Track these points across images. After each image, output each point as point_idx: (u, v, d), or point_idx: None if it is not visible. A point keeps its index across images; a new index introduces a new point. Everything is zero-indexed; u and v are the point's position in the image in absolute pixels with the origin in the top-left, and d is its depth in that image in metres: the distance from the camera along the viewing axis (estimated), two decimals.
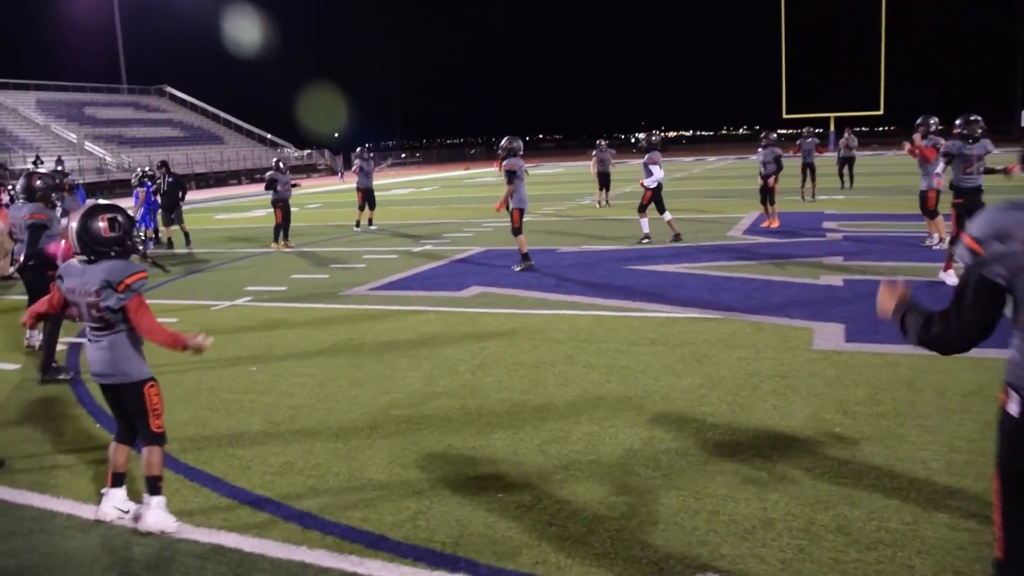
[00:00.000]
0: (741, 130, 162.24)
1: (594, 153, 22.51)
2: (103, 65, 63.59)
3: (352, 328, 8.46)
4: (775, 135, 15.45)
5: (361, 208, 18.55)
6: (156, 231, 17.99)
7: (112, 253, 3.96)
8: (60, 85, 57.12)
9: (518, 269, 11.45)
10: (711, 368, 6.45)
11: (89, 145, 47.31)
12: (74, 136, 48.19)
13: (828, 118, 60.60)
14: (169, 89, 62.68)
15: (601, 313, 8.58)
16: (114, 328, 3.95)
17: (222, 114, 61.09)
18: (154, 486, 4.03)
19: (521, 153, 11.56)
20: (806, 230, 14.69)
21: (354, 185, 19.09)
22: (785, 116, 61.53)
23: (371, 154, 19.13)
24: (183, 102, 62.29)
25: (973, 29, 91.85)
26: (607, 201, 21.66)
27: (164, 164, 17.83)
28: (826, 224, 15.44)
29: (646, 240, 13.66)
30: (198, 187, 48.14)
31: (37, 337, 8.40)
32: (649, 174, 13.48)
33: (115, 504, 4.16)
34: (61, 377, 7.06)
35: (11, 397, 6.67)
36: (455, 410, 5.71)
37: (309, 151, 60.88)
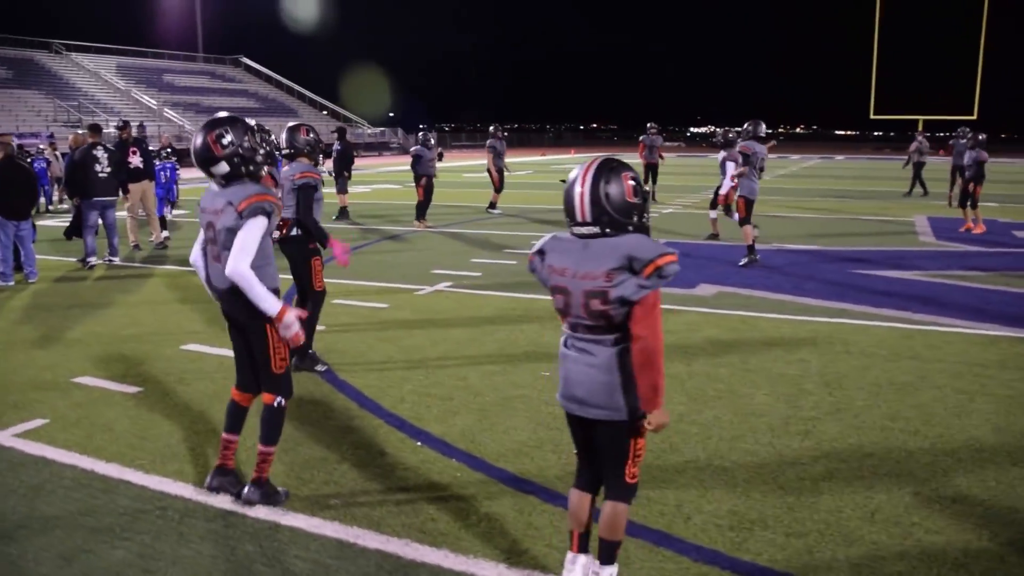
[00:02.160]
0: (799, 128, 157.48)
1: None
2: (180, 33, 63.28)
3: None
4: (983, 136, 14.13)
5: (498, 190, 17.59)
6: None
7: (630, 227, 2.82)
8: (139, 51, 56.87)
9: (743, 263, 10.33)
10: None
11: (168, 112, 46.91)
12: (154, 102, 47.78)
13: (917, 120, 58.46)
14: (244, 60, 62.19)
15: (894, 325, 7.40)
16: (613, 333, 2.78)
17: (296, 87, 60.40)
18: (612, 553, 2.97)
19: (763, 135, 10.42)
20: (1002, 239, 13.37)
21: (481, 164, 18.12)
22: (873, 117, 59.53)
23: (504, 133, 18.10)
24: (258, 73, 61.69)
25: None
26: None
27: (341, 131, 16.86)
28: (1017, 233, 14.11)
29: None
30: None
31: None
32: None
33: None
34: (317, 368, 6.08)
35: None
36: (869, 443, 4.61)
37: (382, 129, 60.04)
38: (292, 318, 3.66)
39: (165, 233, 13.27)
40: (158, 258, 11.91)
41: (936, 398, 5.39)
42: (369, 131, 58.36)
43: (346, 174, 16.53)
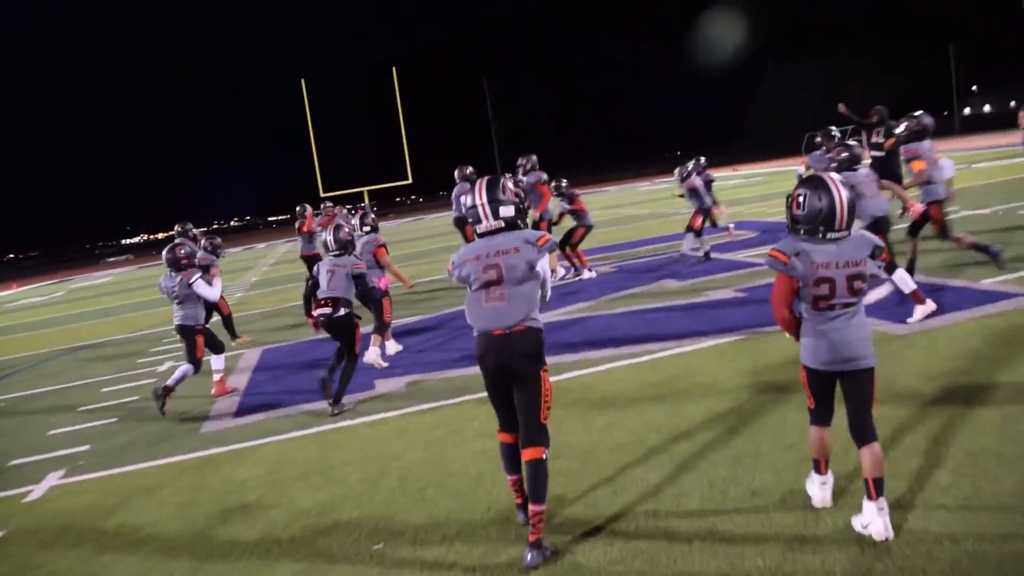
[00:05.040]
0: (233, 221, 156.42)
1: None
2: None
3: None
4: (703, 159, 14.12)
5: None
6: None
7: None
8: None
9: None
10: None
11: None
12: None
13: (363, 192, 63.13)
14: None
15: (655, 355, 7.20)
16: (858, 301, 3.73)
17: None
18: (881, 487, 3.64)
19: None
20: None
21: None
22: (323, 195, 62.39)
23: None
24: None
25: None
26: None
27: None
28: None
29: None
30: None
31: None
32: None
33: None
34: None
35: None
36: None
37: None
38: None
39: None
40: None
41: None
42: None
43: None
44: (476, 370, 7.77)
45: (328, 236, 7.70)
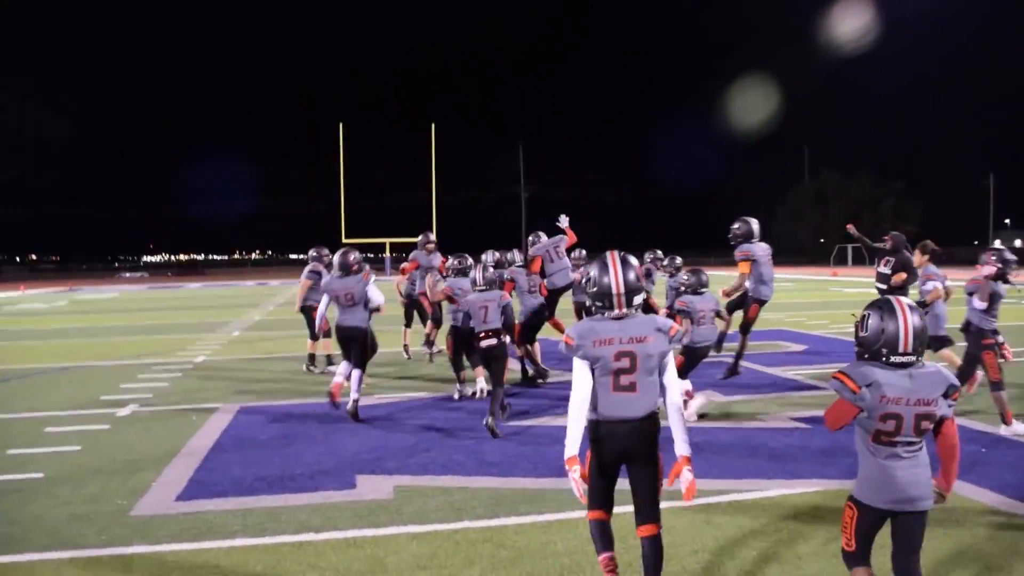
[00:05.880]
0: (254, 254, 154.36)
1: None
2: None
3: None
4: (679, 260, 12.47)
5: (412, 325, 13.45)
6: None
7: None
8: None
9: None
10: None
11: None
12: None
13: (384, 243, 62.73)
14: None
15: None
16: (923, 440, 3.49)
17: None
18: None
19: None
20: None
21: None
22: (344, 240, 61.75)
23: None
24: None
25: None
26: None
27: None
28: None
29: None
30: None
31: None
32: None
33: None
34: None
35: None
36: None
37: None
38: None
39: None
40: None
41: None
42: None
43: None
44: (480, 483, 6.31)
45: (477, 274, 8.48)
